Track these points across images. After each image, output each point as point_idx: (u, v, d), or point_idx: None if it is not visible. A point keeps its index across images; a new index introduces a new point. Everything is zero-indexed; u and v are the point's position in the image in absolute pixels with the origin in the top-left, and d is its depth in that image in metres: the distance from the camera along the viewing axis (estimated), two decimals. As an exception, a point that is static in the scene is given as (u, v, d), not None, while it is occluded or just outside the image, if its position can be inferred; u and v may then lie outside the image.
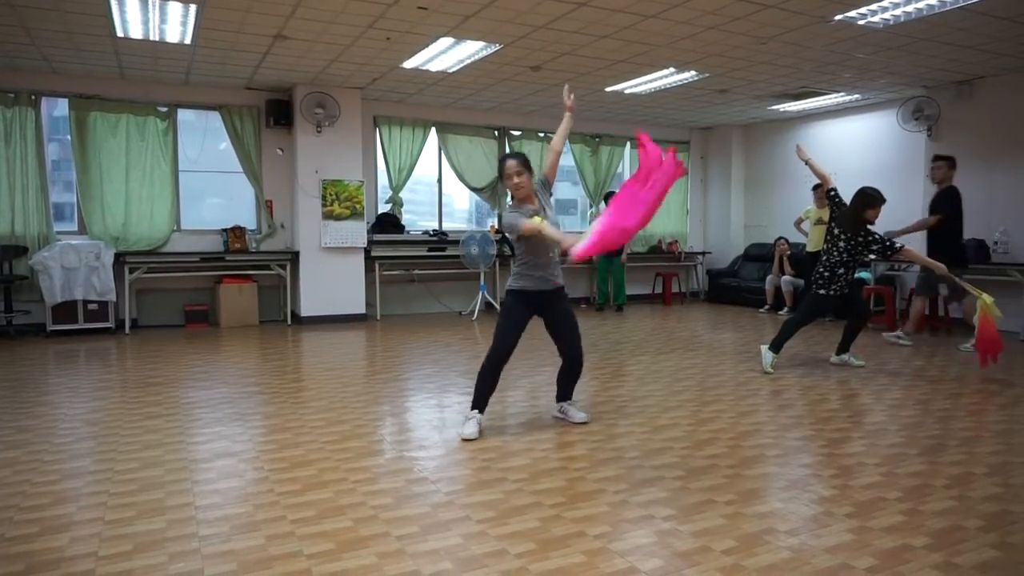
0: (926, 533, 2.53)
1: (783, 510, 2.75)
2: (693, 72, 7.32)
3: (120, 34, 5.90)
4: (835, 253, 5.32)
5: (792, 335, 5.50)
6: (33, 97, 7.26)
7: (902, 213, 8.44)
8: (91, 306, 7.30)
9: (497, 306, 9.18)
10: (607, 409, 4.31)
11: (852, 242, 5.25)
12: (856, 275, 5.54)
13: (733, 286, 10.33)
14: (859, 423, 4.06)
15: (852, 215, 5.28)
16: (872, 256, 5.43)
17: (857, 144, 9.21)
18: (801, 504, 2.81)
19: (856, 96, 8.57)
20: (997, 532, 2.54)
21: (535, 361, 5.90)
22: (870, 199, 5.25)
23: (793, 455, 3.45)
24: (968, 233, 7.60)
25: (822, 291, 5.38)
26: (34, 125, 7.27)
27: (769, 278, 9.43)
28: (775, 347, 5.43)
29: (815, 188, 8.27)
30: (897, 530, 2.55)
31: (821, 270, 5.40)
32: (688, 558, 2.33)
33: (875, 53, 6.58)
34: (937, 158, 6.61)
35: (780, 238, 9.39)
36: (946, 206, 6.39)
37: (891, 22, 5.59)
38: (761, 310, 9.43)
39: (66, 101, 7.46)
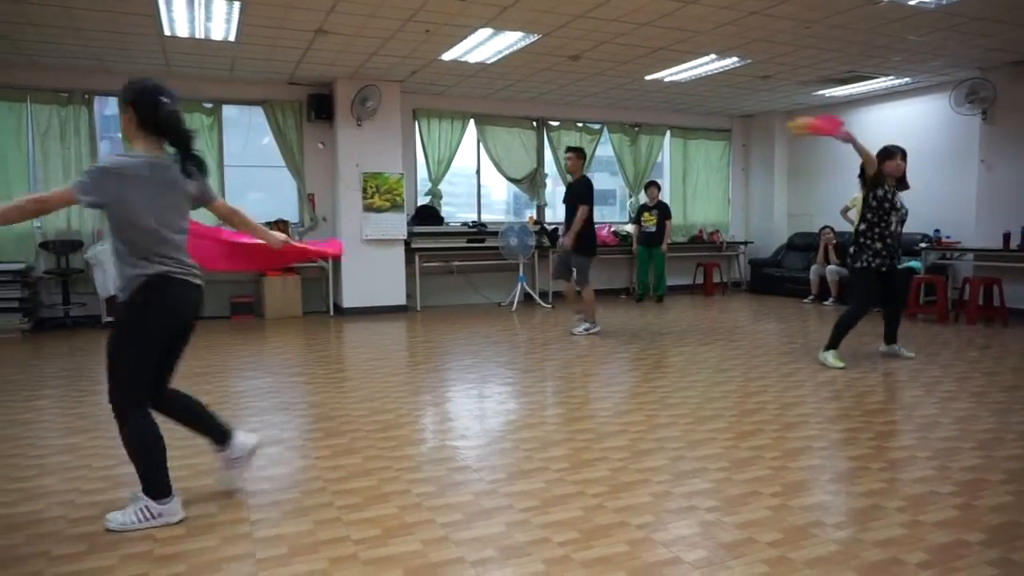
0: (982, 529, 2.46)
1: (830, 503, 2.70)
2: (735, 58, 7.18)
3: (167, 32, 6.05)
4: (868, 217, 5.06)
5: (851, 328, 5.20)
6: (86, 96, 7.50)
7: (956, 198, 8.19)
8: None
9: (536, 297, 9.19)
10: (649, 400, 4.28)
11: (877, 199, 5.01)
12: (905, 264, 5.33)
13: (776, 276, 10.14)
14: (909, 416, 3.95)
15: (875, 174, 5.05)
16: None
17: (907, 129, 8.91)
18: (849, 497, 2.76)
19: (906, 80, 8.30)
20: (1057, 528, 2.46)
21: (575, 352, 5.89)
22: (884, 152, 5.03)
23: (840, 447, 3.38)
24: (1021, 220, 7.35)
25: (860, 265, 5.10)
26: (87, 123, 7.52)
27: (814, 268, 9.23)
28: (833, 345, 5.20)
29: (861, 175, 8.03)
30: (951, 525, 2.48)
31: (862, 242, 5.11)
32: (733, 549, 2.31)
33: (927, 34, 6.36)
34: (569, 150, 6.77)
35: (825, 227, 9.18)
36: (588, 196, 6.51)
37: (944, 1, 5.39)
38: (805, 300, 9.24)
39: (115, 100, 7.67)
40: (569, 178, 6.86)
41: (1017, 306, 7.47)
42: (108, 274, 7.21)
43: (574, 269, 6.57)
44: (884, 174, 5.04)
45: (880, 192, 5.03)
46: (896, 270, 5.21)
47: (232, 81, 8.03)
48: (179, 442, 3.46)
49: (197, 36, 6.18)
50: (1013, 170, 7.64)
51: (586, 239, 6.54)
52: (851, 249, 5.23)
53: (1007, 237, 7.38)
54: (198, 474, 3.02)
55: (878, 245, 5.04)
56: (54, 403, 4.34)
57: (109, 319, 7.37)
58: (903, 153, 5.08)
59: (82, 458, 3.25)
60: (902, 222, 5.15)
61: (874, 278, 5.12)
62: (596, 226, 10.01)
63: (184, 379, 4.90)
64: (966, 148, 8.17)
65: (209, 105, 8.05)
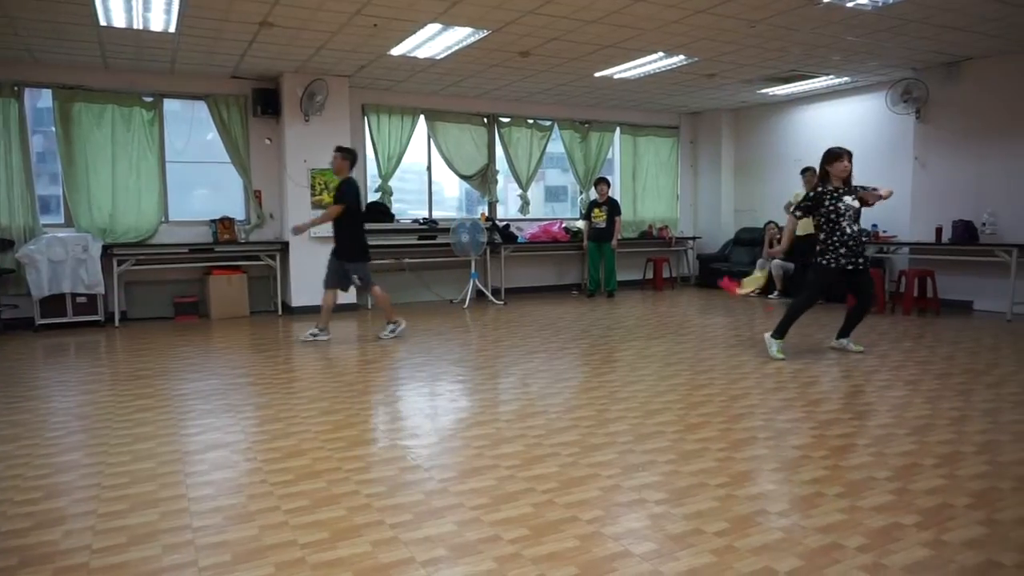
0: (915, 511, 2.56)
1: (775, 491, 2.77)
2: (682, 56, 7.29)
3: (103, 23, 5.82)
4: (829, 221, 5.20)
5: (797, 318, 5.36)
6: (16, 88, 7.16)
7: (893, 194, 8.47)
8: (79, 299, 7.24)
9: (489, 294, 9.19)
10: (599, 395, 4.32)
11: (823, 215, 5.16)
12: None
13: (724, 271, 10.34)
14: (849, 404, 4.09)
15: (822, 177, 5.25)
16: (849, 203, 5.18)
17: (846, 127, 9.22)
18: (792, 485, 2.84)
19: (845, 79, 8.57)
20: (985, 509, 2.57)
21: (527, 348, 5.91)
22: (832, 154, 5.20)
23: (784, 437, 3.48)
24: (955, 214, 7.68)
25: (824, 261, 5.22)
26: (17, 116, 7.17)
27: (759, 262, 9.46)
28: (780, 333, 5.35)
29: (804, 172, 8.28)
30: (887, 509, 2.58)
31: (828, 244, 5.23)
32: (681, 541, 2.35)
33: (864, 35, 6.58)
34: (337, 149, 6.33)
35: (770, 222, 9.42)
36: (350, 197, 6.15)
37: (880, 4, 5.58)
38: (752, 294, 9.46)
39: (49, 92, 7.36)
40: (336, 179, 6.47)
41: (949, 297, 7.81)
42: (43, 274, 6.92)
43: (355, 277, 6.34)
44: (831, 176, 5.20)
45: (823, 208, 5.17)
46: (866, 269, 5.28)
47: (173, 74, 7.78)
48: (118, 448, 3.35)
49: (135, 27, 5.96)
50: (944, 167, 7.97)
51: (355, 244, 6.21)
52: (817, 247, 5.26)
53: (939, 231, 7.71)
54: (137, 481, 2.92)
55: (843, 250, 5.16)
56: (-17, 410, 4.13)
57: (44, 321, 7.08)
58: (849, 155, 5.23)
59: (13, 467, 3.11)
60: (856, 220, 5.20)
61: (834, 275, 5.21)
62: (546, 223, 10.19)
63: (123, 382, 4.76)
64: (901, 146, 8.49)
65: (149, 99, 7.78)
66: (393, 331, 6.46)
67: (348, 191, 6.16)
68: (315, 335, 6.34)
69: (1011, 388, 4.37)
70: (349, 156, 6.27)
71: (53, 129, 7.46)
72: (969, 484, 2.82)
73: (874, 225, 8.47)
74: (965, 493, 2.72)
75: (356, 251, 6.24)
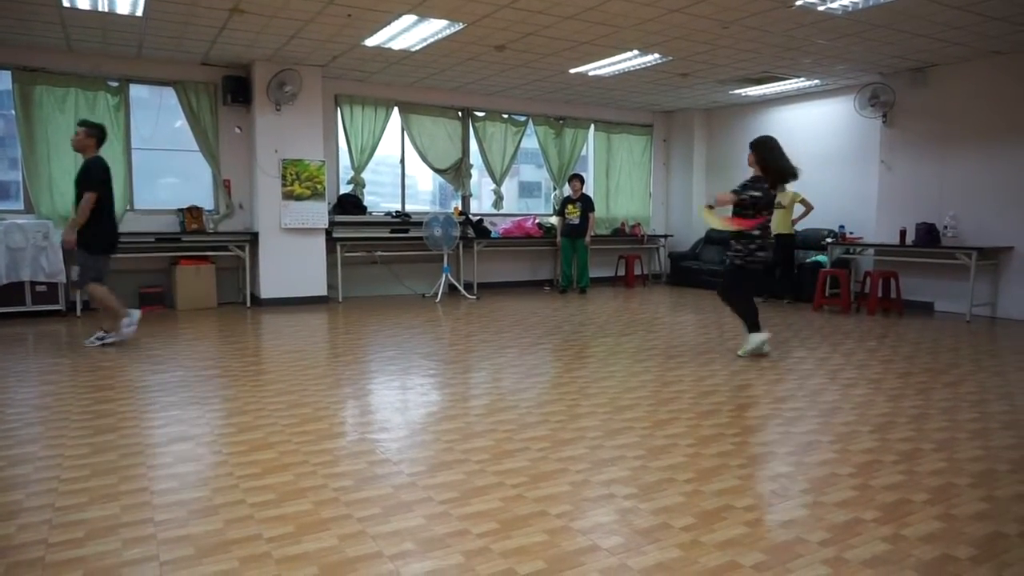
0: (876, 507, 2.61)
1: (740, 487, 2.81)
2: (656, 55, 7.34)
3: (66, 4, 5.66)
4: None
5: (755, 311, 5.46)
6: (-26, 69, 6.94)
7: (859, 196, 8.67)
8: (39, 288, 7.05)
9: (461, 288, 9.17)
10: (570, 390, 4.34)
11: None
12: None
13: (694, 269, 10.47)
14: (814, 402, 4.16)
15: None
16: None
17: (816, 129, 9.38)
18: (758, 481, 2.88)
19: (815, 81, 8.70)
20: (942, 504, 2.64)
21: (499, 343, 5.91)
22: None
23: (750, 434, 3.52)
24: (919, 217, 7.84)
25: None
26: (-25, 99, 6.96)
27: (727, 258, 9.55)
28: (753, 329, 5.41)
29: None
30: (849, 504, 2.63)
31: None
32: (648, 535, 2.36)
33: (834, 39, 6.68)
34: (80, 123, 5.48)
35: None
36: (94, 181, 5.30)
37: (850, 8, 5.68)
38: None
39: (9, 74, 7.14)
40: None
41: (911, 298, 7.99)
42: (0, 261, 6.72)
43: (75, 267, 5.49)
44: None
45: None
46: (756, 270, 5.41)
47: (140, 59, 7.60)
48: (78, 440, 3.27)
49: (100, 9, 5.82)
50: (909, 170, 8.14)
51: (95, 232, 5.35)
52: (734, 241, 5.37)
53: (903, 233, 7.87)
54: (98, 473, 2.85)
55: (751, 245, 5.29)
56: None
57: (2, 311, 6.87)
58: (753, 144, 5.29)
59: (-33, 460, 3.02)
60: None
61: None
62: (520, 218, 10.19)
63: (84, 373, 4.64)
64: (869, 149, 8.65)
65: (115, 83, 7.60)
66: (102, 339, 5.56)
67: (93, 174, 5.29)
68: (102, 338, 5.59)
69: (968, 387, 4.48)
70: (96, 132, 5.39)
71: (13, 112, 7.25)
72: (927, 480, 2.88)
73: (841, 226, 8.62)
74: (923, 489, 2.79)
75: (95, 239, 5.37)
